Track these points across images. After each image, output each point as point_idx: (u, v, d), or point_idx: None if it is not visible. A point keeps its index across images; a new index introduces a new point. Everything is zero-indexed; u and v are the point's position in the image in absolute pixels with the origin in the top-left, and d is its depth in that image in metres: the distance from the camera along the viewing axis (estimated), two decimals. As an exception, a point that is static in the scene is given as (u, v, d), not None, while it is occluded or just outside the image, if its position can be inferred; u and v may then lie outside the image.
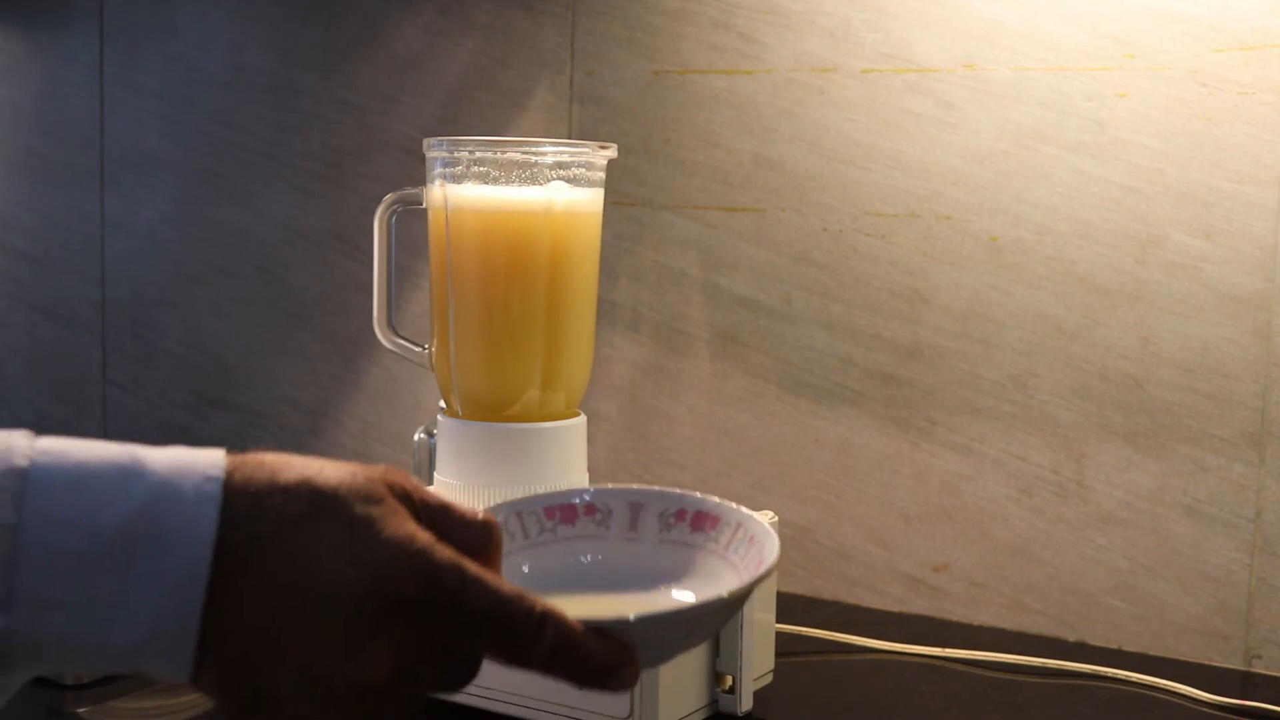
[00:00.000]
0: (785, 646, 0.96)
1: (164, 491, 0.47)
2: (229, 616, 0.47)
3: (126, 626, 0.46)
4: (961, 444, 1.10)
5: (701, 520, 0.60)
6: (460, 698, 0.85)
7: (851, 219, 1.12)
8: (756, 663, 0.87)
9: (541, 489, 0.88)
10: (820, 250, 1.14)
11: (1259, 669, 1.00)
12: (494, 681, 0.84)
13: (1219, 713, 0.93)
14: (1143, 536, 1.04)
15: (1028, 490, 1.07)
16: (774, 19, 1.14)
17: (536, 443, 0.88)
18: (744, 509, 0.60)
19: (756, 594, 0.85)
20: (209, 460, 0.49)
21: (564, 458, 0.89)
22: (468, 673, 0.52)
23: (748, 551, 0.57)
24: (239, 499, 0.48)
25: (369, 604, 0.48)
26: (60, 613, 0.46)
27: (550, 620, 0.50)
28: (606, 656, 0.51)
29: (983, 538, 1.09)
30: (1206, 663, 1.02)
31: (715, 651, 0.85)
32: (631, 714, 0.80)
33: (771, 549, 0.56)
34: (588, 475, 0.92)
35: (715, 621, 0.57)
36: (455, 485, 0.88)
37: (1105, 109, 1.02)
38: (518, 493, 0.87)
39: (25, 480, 0.45)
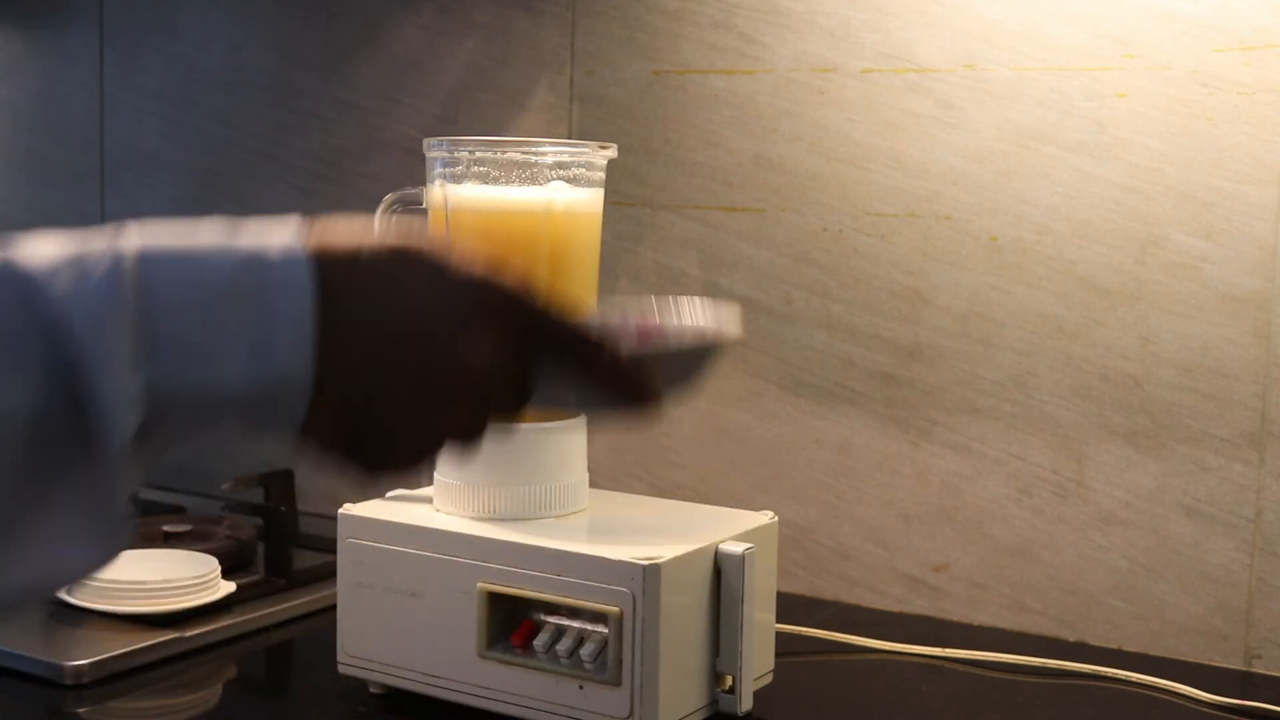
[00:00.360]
0: (785, 646, 0.96)
1: (257, 253, 0.51)
2: (337, 349, 0.51)
3: (251, 369, 0.50)
4: (961, 444, 1.10)
5: (646, 333, 0.64)
6: (460, 698, 0.85)
7: (851, 219, 1.12)
8: (756, 663, 0.87)
9: (542, 489, 0.88)
10: (820, 250, 1.14)
11: (1259, 669, 1.00)
12: (494, 681, 0.84)
13: (1219, 713, 0.92)
14: (1143, 536, 1.04)
15: (1028, 490, 1.07)
16: (774, 19, 1.14)
17: (536, 443, 0.88)
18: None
19: (757, 593, 0.85)
20: (287, 224, 0.53)
21: (564, 458, 0.89)
22: (527, 392, 0.58)
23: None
24: (325, 251, 0.53)
25: (471, 309, 0.54)
26: (194, 361, 0.49)
27: (608, 340, 0.58)
28: (640, 376, 0.58)
29: (983, 538, 1.09)
30: (1206, 663, 1.02)
31: (715, 651, 0.85)
32: (631, 714, 0.80)
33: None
34: (588, 475, 0.92)
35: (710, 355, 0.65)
36: (455, 485, 0.88)
37: (1105, 109, 1.02)
38: (519, 492, 0.87)
39: (142, 250, 0.49)
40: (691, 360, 0.66)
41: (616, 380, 0.58)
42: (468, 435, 0.57)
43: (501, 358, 0.56)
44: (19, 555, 0.47)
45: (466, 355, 0.55)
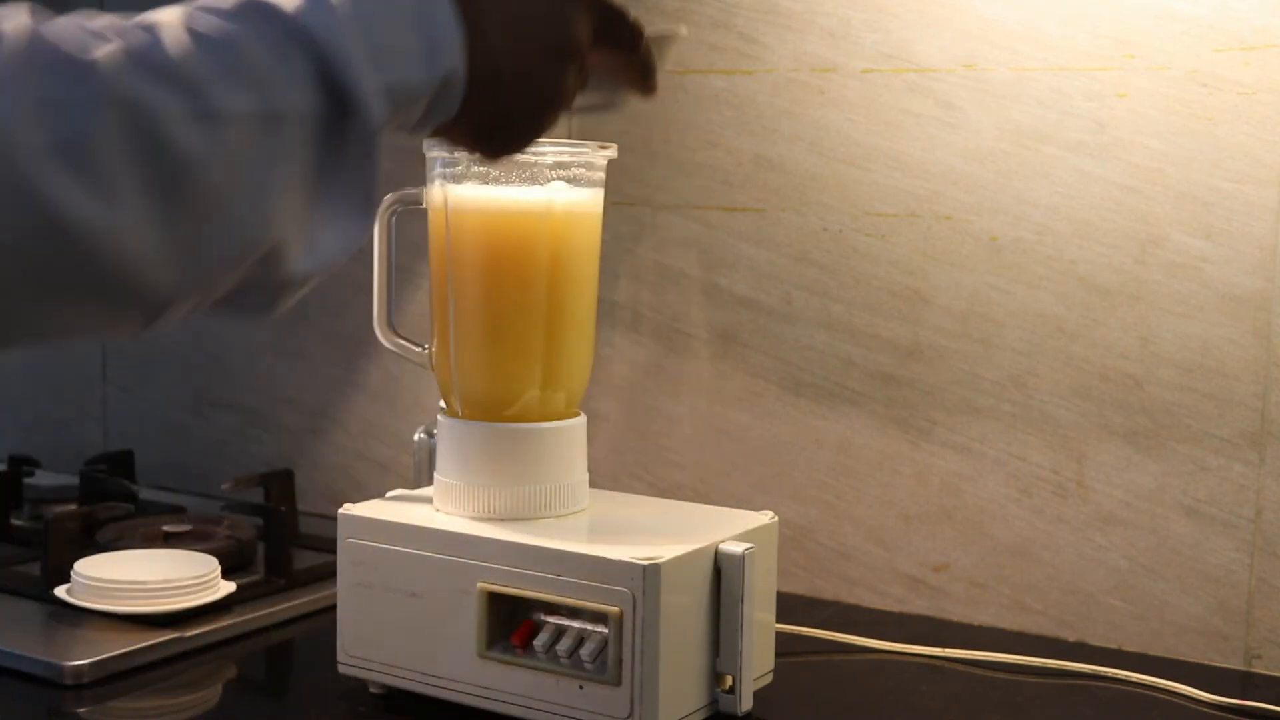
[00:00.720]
0: (785, 646, 0.96)
1: None
2: (478, 43, 0.62)
3: (427, 69, 0.60)
4: (961, 444, 1.10)
5: None
6: (460, 698, 0.85)
7: (851, 219, 1.12)
8: (756, 663, 0.87)
9: (542, 489, 0.88)
10: (820, 250, 1.14)
11: (1259, 669, 1.00)
12: (494, 681, 0.84)
13: (1219, 713, 0.93)
14: (1143, 536, 1.04)
15: (1028, 490, 1.07)
16: (774, 19, 1.14)
17: (536, 443, 0.88)
18: None
19: (757, 593, 0.85)
20: None
21: (564, 458, 0.89)
22: (585, 75, 0.71)
23: None
24: None
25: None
26: (394, 63, 0.58)
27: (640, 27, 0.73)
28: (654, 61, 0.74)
29: (983, 538, 1.09)
30: (1206, 663, 1.02)
31: (715, 651, 0.85)
32: (631, 714, 0.80)
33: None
34: (588, 475, 0.92)
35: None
36: (455, 485, 0.88)
37: (1105, 109, 1.02)
38: (519, 492, 0.88)
39: None
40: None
41: (644, 59, 0.73)
42: (566, 104, 0.69)
43: (588, 33, 0.68)
44: (318, 234, 0.58)
45: (574, 30, 0.67)
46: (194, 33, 0.52)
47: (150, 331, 0.57)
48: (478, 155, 0.72)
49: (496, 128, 0.68)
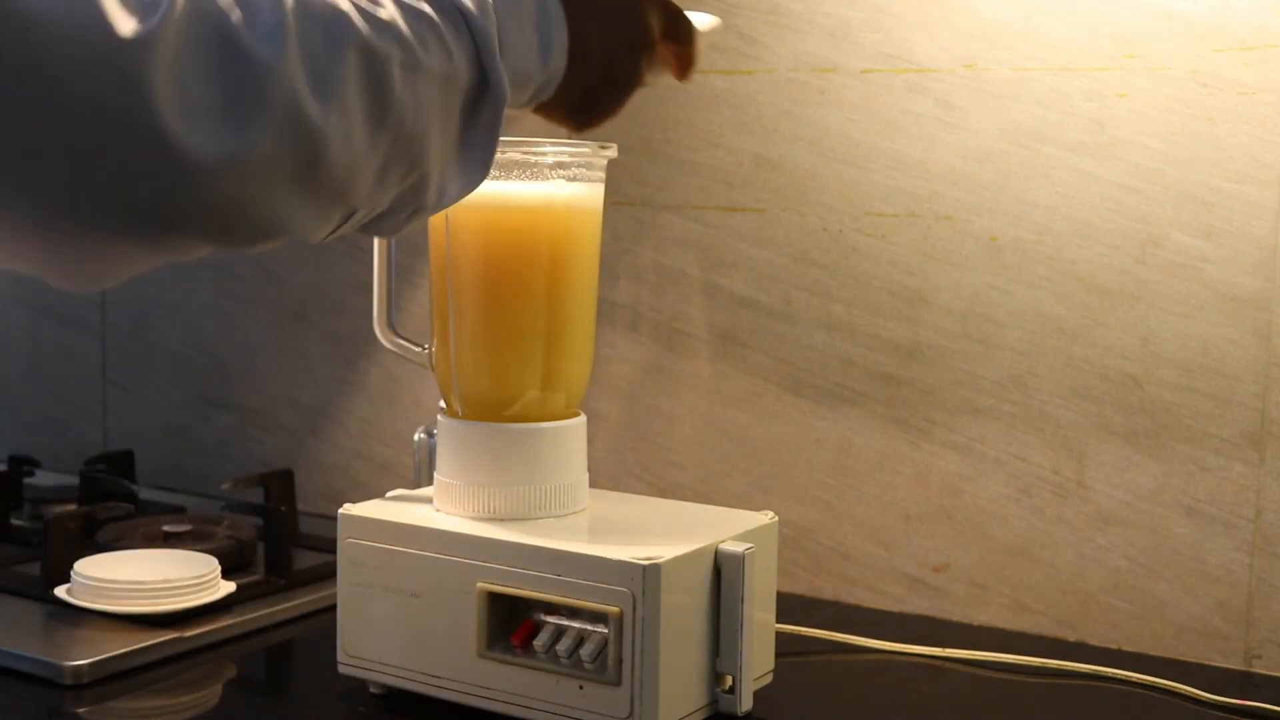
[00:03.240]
0: (785, 646, 0.96)
1: None
2: (578, 37, 0.76)
3: (541, 60, 0.74)
4: (961, 444, 1.10)
5: None
6: (460, 698, 0.85)
7: (851, 219, 1.12)
8: (756, 663, 0.87)
9: (542, 489, 0.88)
10: (820, 250, 1.14)
11: (1259, 669, 1.00)
12: (494, 681, 0.84)
13: (1219, 713, 0.93)
14: (1143, 536, 1.04)
15: (1028, 490, 1.07)
16: (774, 19, 1.14)
17: (536, 443, 0.88)
18: None
19: (757, 593, 0.85)
20: None
21: (564, 458, 0.89)
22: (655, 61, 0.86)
23: None
24: None
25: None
26: (516, 54, 0.72)
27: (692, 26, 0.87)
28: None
29: (983, 538, 1.09)
30: (1206, 663, 1.02)
31: (715, 652, 0.85)
32: (631, 714, 0.80)
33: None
34: (587, 475, 0.92)
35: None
36: (455, 485, 0.88)
37: (1105, 109, 1.02)
38: (519, 492, 0.87)
39: None
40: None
41: (692, 52, 0.87)
42: (640, 84, 0.84)
43: (658, 27, 0.83)
44: (454, 173, 0.70)
45: (648, 25, 0.82)
46: (399, 3, 0.65)
47: (329, 239, 0.67)
48: (569, 126, 0.83)
49: (585, 105, 0.81)
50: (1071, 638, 1.06)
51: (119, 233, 0.58)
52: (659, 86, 1.19)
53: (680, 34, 0.85)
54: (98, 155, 0.54)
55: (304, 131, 0.59)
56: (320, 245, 1.44)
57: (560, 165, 0.88)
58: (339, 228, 0.67)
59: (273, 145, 0.58)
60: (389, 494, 0.94)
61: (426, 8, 0.67)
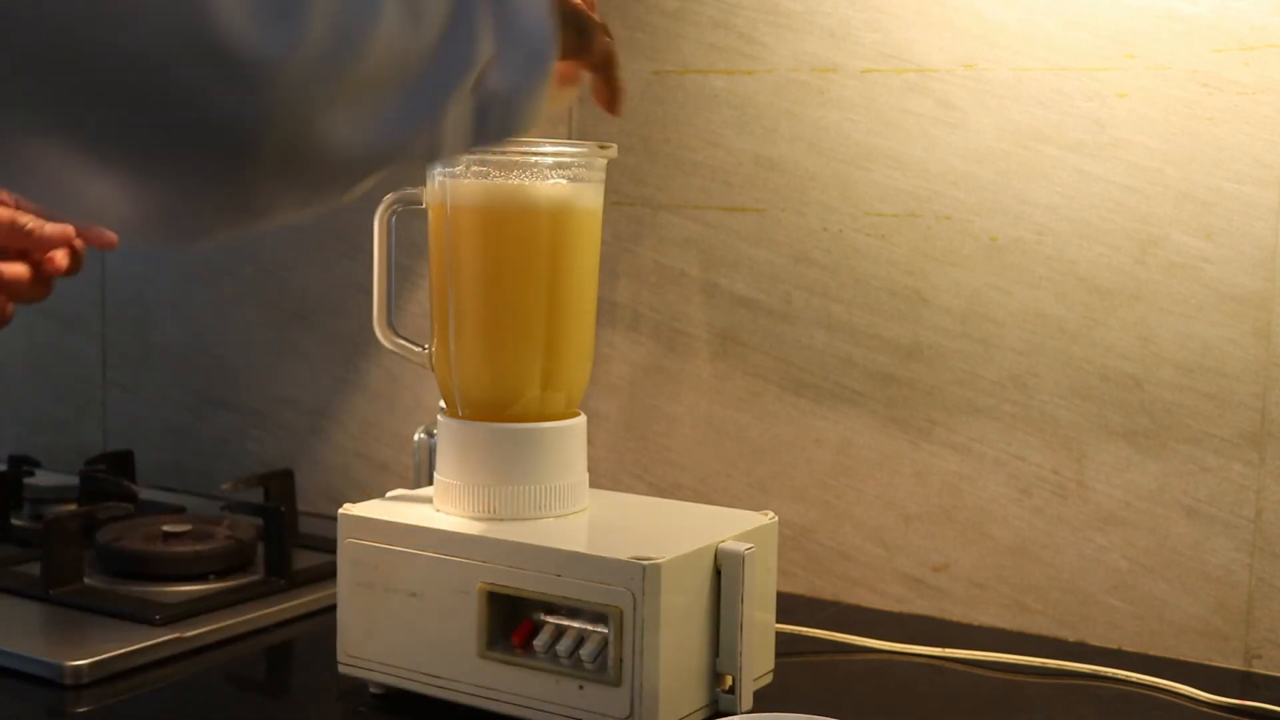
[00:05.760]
0: (785, 646, 0.96)
1: None
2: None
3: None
4: (961, 444, 1.10)
5: None
6: (460, 698, 0.85)
7: (851, 219, 1.12)
8: (756, 663, 0.87)
9: (542, 489, 0.88)
10: (820, 250, 1.14)
11: (1259, 669, 1.00)
12: (494, 681, 0.84)
13: (1219, 713, 0.93)
14: (1143, 536, 1.04)
15: (1028, 490, 1.07)
16: (774, 19, 1.14)
17: (536, 443, 0.88)
18: None
19: (757, 593, 0.85)
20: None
21: (564, 458, 0.89)
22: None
23: None
24: None
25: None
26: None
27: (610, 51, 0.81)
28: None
29: (983, 538, 1.09)
30: (1206, 663, 1.02)
31: (715, 652, 0.85)
32: (631, 714, 0.80)
33: None
34: (587, 475, 0.92)
35: None
36: (455, 485, 0.88)
37: (1105, 109, 1.02)
38: (519, 492, 0.87)
39: None
40: None
41: (607, 79, 0.81)
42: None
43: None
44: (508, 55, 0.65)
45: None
46: None
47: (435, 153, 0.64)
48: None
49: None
50: (1071, 638, 1.06)
51: (200, 166, 0.52)
52: (661, 86, 1.20)
53: (589, 52, 0.78)
54: (162, 75, 0.49)
55: (352, 25, 0.54)
56: (320, 245, 1.44)
57: (560, 165, 0.88)
58: (422, 126, 0.62)
59: (325, 37, 0.52)
60: (389, 494, 0.94)
61: None
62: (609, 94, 0.81)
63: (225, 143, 0.52)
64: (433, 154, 0.64)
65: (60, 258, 0.94)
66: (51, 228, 0.93)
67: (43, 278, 0.95)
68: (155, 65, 0.49)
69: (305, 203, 0.60)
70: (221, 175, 0.53)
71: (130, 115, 0.50)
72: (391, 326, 0.93)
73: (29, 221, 0.93)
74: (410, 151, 0.62)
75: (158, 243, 0.59)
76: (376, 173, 0.61)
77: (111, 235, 0.96)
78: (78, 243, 0.96)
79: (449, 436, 0.89)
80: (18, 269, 0.94)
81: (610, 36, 0.80)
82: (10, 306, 0.95)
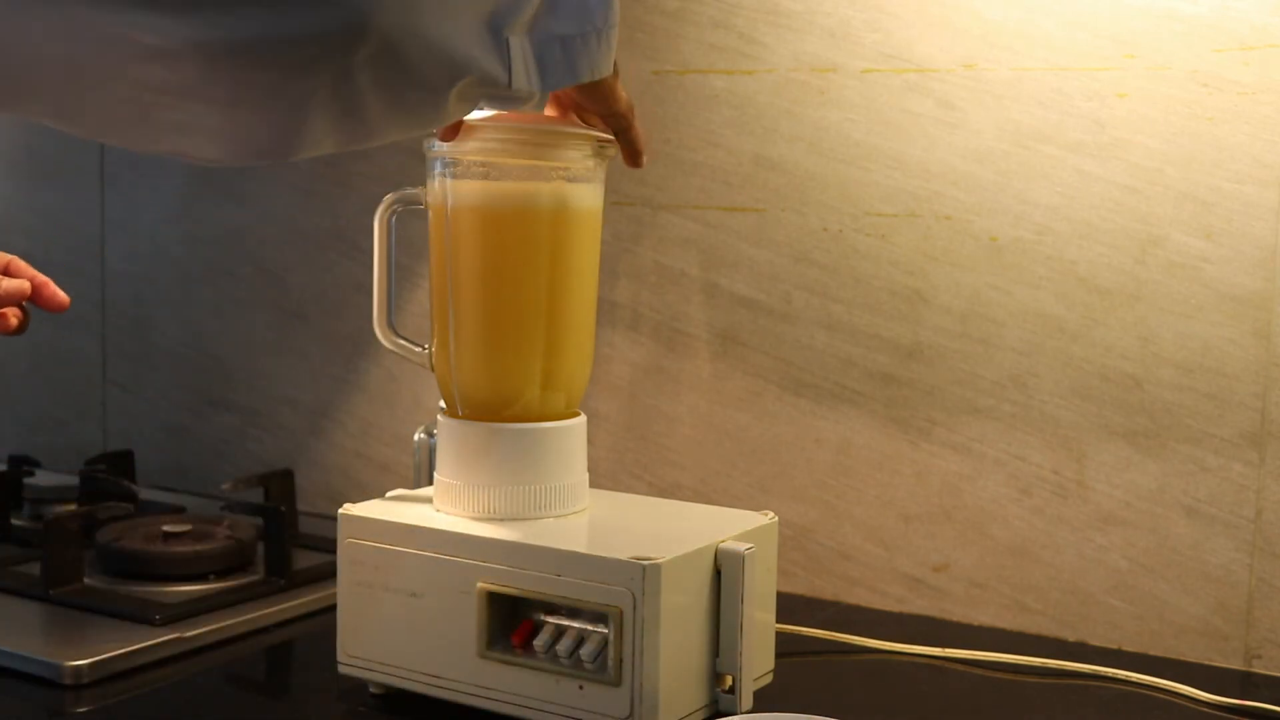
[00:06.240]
0: (785, 646, 0.96)
1: None
2: None
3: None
4: (961, 444, 1.10)
5: None
6: (460, 698, 0.85)
7: (851, 219, 1.12)
8: (756, 663, 0.87)
9: (542, 489, 0.88)
10: (820, 250, 1.14)
11: (1259, 669, 1.00)
12: (494, 681, 0.84)
13: (1219, 713, 0.93)
14: (1143, 536, 1.04)
15: (1028, 490, 1.07)
16: (774, 19, 1.14)
17: (536, 443, 0.88)
18: None
19: (757, 593, 0.85)
20: None
21: (564, 458, 0.89)
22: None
23: None
24: None
25: None
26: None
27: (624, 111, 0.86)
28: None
29: (983, 538, 1.09)
30: (1206, 663, 1.02)
31: (715, 652, 0.85)
32: (631, 714, 0.80)
33: None
34: (587, 475, 0.92)
35: None
36: (455, 485, 0.88)
37: (1105, 109, 1.02)
38: (519, 492, 0.87)
39: None
40: None
41: (629, 129, 0.87)
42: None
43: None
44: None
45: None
46: None
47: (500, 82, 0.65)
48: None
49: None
50: (1071, 638, 1.06)
51: (307, 41, 0.53)
52: (661, 86, 1.19)
53: (602, 100, 0.83)
54: None
55: None
56: (320, 245, 1.44)
57: (560, 165, 0.88)
58: (499, 46, 0.64)
59: None
60: (389, 494, 0.94)
61: None
62: (630, 146, 0.87)
63: (338, 20, 0.53)
64: (504, 79, 0.65)
65: (11, 317, 0.95)
66: (6, 284, 0.94)
67: None
68: None
69: (395, 106, 0.60)
70: (329, 55, 0.54)
71: (247, 16, 0.51)
72: (391, 326, 0.93)
73: None
74: (486, 69, 0.64)
75: (252, 150, 0.58)
76: (457, 83, 0.62)
77: (63, 297, 0.97)
78: (24, 304, 0.97)
79: (449, 436, 0.89)
80: None
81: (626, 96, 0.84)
82: None
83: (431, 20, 0.58)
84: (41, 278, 0.97)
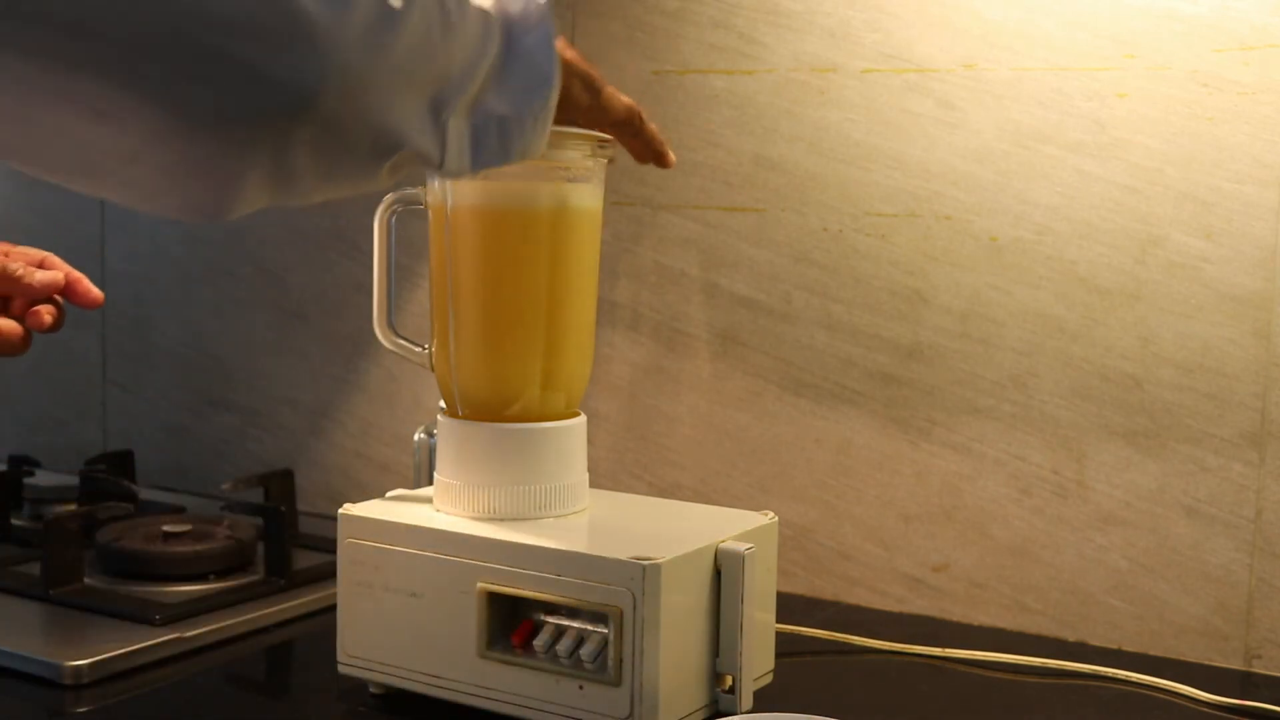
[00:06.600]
0: (785, 646, 0.96)
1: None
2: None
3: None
4: (961, 444, 1.10)
5: None
6: (460, 698, 0.85)
7: (851, 219, 1.12)
8: (756, 663, 0.87)
9: (542, 489, 0.88)
10: (820, 250, 1.14)
11: (1259, 669, 1.00)
12: (494, 681, 0.84)
13: (1219, 713, 0.93)
14: (1143, 536, 1.04)
15: (1028, 490, 1.07)
16: (774, 19, 1.14)
17: (536, 443, 0.88)
18: None
19: (757, 593, 0.85)
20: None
21: (564, 458, 0.89)
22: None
23: None
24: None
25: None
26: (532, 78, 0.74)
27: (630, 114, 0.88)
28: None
29: (983, 538, 1.09)
30: (1206, 663, 1.02)
31: (715, 652, 0.85)
32: (631, 714, 0.80)
33: None
34: (587, 475, 0.92)
35: None
36: (455, 485, 0.88)
37: (1105, 109, 1.02)
38: (519, 492, 0.87)
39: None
40: None
41: (641, 129, 0.88)
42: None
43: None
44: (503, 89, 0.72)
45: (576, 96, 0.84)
46: None
47: (436, 160, 0.67)
48: None
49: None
50: (1071, 638, 1.06)
51: (253, 119, 0.55)
52: (661, 86, 1.19)
53: (602, 108, 0.84)
54: (227, 37, 0.53)
55: (390, 9, 0.59)
56: (320, 245, 1.44)
57: (560, 165, 0.88)
58: (436, 127, 0.67)
59: (362, 22, 0.57)
60: (389, 494, 0.94)
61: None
62: (646, 149, 0.88)
63: (284, 100, 0.55)
64: (436, 159, 0.68)
65: (46, 314, 0.94)
66: (41, 276, 0.93)
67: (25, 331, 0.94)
68: (227, 23, 0.52)
69: (328, 176, 0.63)
70: (272, 132, 0.56)
71: (197, 70, 0.52)
72: (391, 326, 0.93)
73: (18, 269, 0.93)
74: (421, 148, 0.66)
75: (189, 210, 0.60)
76: (391, 157, 0.64)
77: (96, 293, 0.96)
78: (59, 299, 0.96)
79: (449, 436, 0.89)
80: (9, 324, 0.93)
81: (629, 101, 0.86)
82: None
83: (375, 102, 0.60)
84: (76, 273, 0.96)
